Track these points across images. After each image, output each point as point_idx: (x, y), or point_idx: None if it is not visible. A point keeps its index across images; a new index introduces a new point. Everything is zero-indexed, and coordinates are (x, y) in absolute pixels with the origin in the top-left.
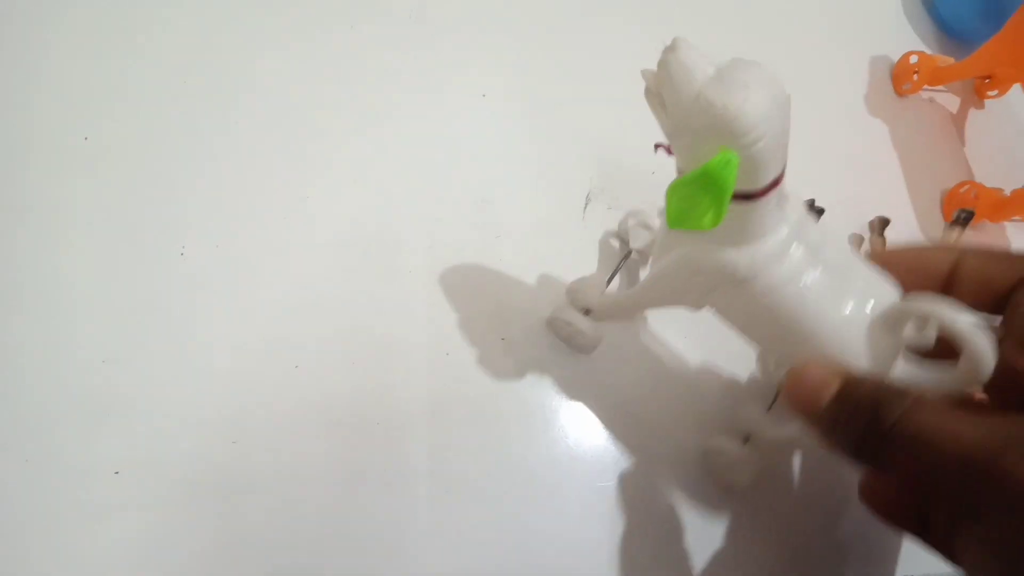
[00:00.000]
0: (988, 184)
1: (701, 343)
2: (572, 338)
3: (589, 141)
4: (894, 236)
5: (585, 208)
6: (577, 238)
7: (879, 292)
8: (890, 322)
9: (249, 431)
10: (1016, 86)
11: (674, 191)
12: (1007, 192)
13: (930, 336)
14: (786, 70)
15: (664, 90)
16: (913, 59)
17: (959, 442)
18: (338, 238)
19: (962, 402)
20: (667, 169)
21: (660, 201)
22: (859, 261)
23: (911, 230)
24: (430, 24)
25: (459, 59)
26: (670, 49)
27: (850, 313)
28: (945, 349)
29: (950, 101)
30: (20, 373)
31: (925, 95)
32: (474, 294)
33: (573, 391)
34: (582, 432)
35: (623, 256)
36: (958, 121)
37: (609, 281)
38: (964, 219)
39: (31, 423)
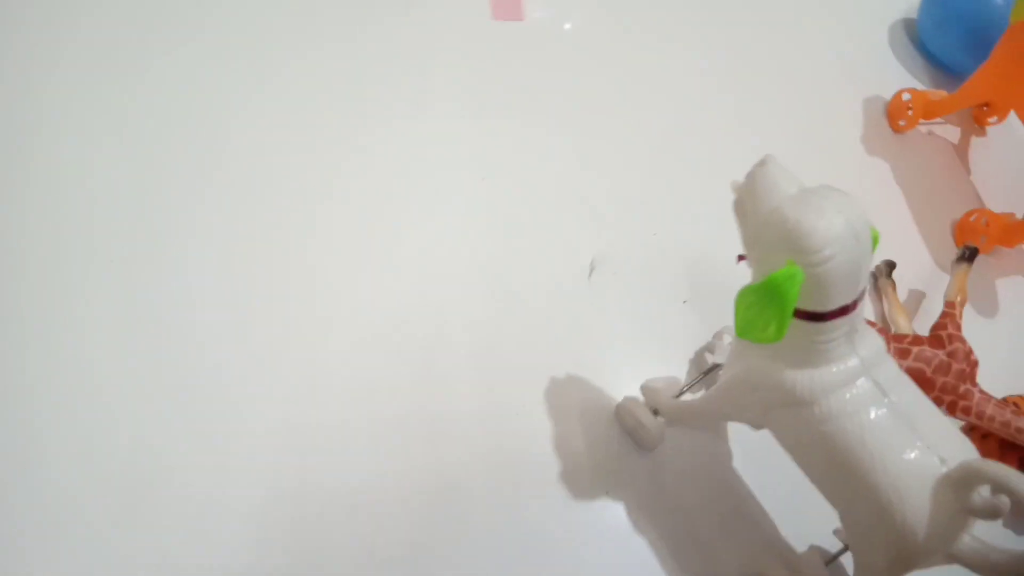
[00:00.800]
0: (999, 209)
1: (767, 471)
2: (635, 432)
3: (589, 210)
4: (908, 273)
5: (590, 275)
6: (586, 303)
7: (951, 447)
8: (958, 481)
9: (285, 522)
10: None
11: (742, 299)
12: (1019, 216)
13: (1003, 504)
14: (780, 119)
15: (747, 200)
16: (905, 96)
17: None
18: (357, 331)
19: None
20: (666, 229)
21: (661, 263)
22: (935, 412)
23: (924, 265)
24: (432, 107)
25: (457, 141)
26: (760, 164)
27: (913, 461)
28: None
29: (950, 132)
30: (54, 465)
31: (923, 129)
32: (489, 368)
33: (609, 471)
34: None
35: (708, 369)
36: (960, 151)
37: (686, 389)
38: (969, 255)
39: (66, 515)
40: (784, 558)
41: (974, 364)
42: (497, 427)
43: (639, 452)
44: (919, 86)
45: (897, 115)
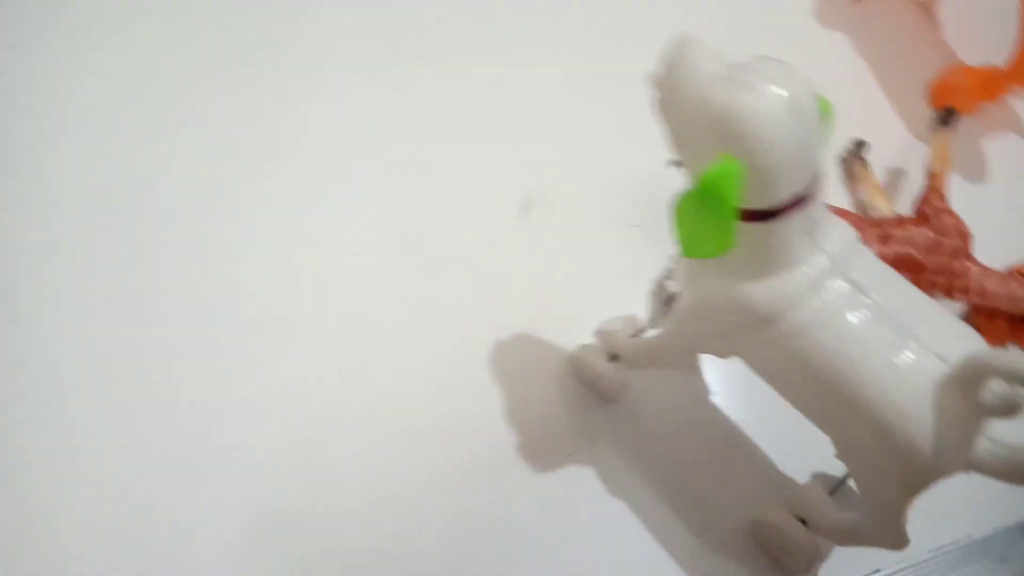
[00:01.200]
0: (977, 64)
1: (752, 400)
2: (594, 383)
3: (513, 143)
4: (883, 150)
5: (525, 213)
6: (525, 247)
7: (951, 341)
8: (964, 380)
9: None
10: None
11: (679, 213)
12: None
13: (1020, 397)
14: (720, 4)
15: (667, 93)
16: None
17: None
18: (271, 328)
19: None
20: (601, 150)
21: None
22: (930, 304)
23: (900, 139)
24: (325, 62)
25: (357, 91)
26: (676, 46)
27: (907, 366)
28: None
29: None
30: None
31: None
32: (423, 344)
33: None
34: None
35: (668, 299)
36: (927, 5)
37: (648, 326)
38: (948, 118)
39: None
40: (785, 494)
41: (967, 237)
42: (438, 409)
43: (604, 406)
44: None
45: None
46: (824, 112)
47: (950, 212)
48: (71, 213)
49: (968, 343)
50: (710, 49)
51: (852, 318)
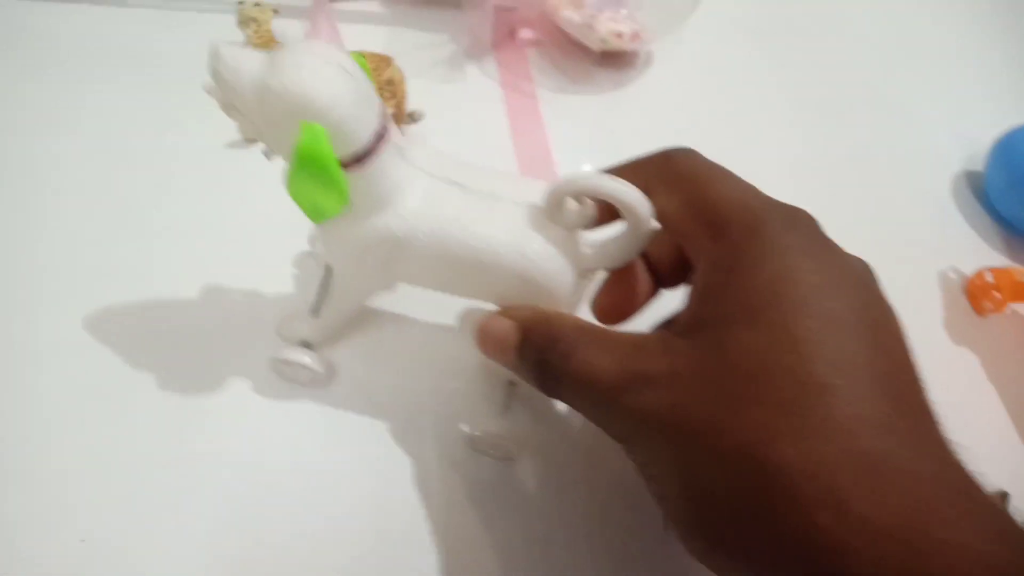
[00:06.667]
0: None
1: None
2: (302, 377)
3: None
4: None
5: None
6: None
7: (530, 191)
8: (550, 210)
9: None
10: None
11: (291, 187)
12: None
13: (588, 209)
14: None
15: (229, 96)
16: (989, 277)
17: (597, 378)
18: None
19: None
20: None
21: None
22: (505, 175)
23: None
24: None
25: None
26: (214, 58)
27: (515, 222)
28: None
29: None
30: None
31: (1009, 310)
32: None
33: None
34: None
35: (324, 273)
36: None
37: (318, 305)
38: None
39: None
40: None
41: None
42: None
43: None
44: (990, 250)
45: (981, 297)
46: (362, 64)
47: None
48: None
49: (543, 187)
50: (243, 48)
51: (468, 209)
